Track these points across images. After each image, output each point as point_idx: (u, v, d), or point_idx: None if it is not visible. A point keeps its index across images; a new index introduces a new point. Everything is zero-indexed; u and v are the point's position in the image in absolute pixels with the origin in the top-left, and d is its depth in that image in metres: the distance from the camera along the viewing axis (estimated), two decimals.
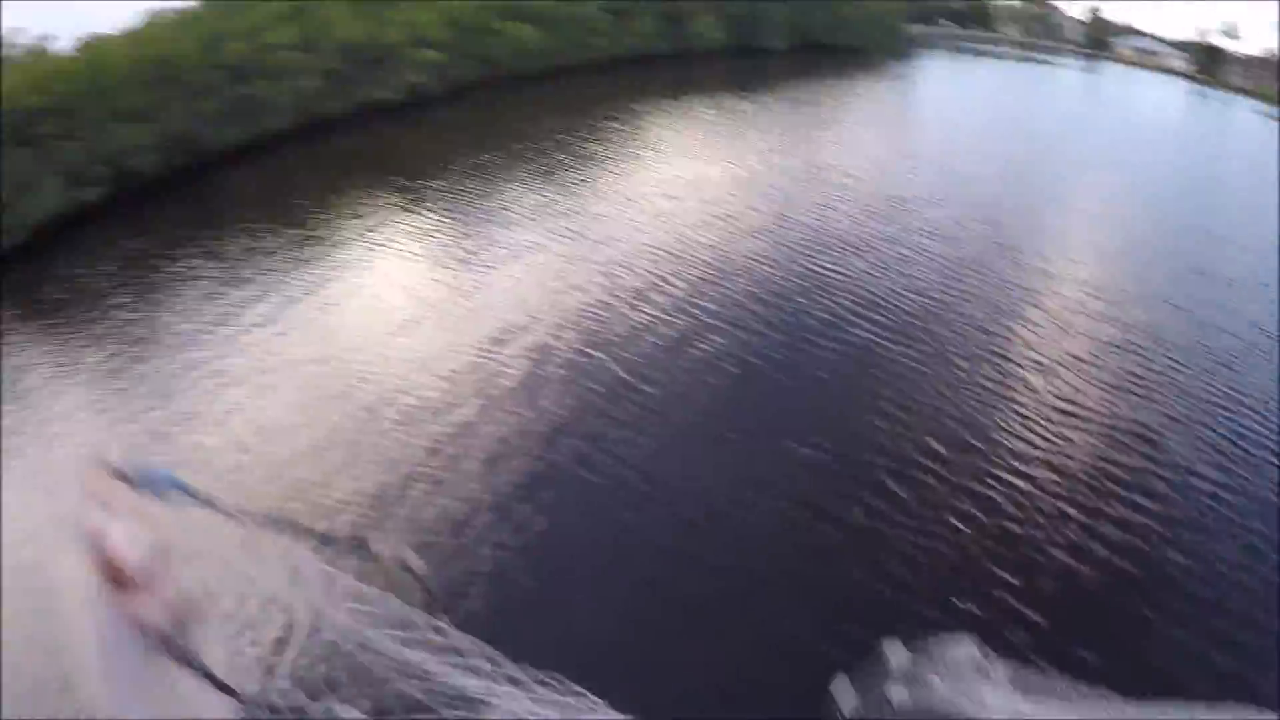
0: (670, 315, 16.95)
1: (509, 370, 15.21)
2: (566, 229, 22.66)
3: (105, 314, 21.71)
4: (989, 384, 14.54)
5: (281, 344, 17.98)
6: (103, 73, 36.68)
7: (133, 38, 39.42)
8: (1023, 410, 13.80)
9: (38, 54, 37.35)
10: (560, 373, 14.93)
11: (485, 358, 15.78)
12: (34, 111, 33.72)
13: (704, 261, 19.73)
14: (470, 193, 27.20)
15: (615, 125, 36.91)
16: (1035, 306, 18.10)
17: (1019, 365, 15.38)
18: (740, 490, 11.75)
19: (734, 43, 57.90)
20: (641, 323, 16.65)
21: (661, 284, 18.58)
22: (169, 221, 31.14)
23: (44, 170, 32.06)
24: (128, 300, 22.34)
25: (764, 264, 19.53)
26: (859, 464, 12.24)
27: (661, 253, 20.36)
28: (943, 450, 12.55)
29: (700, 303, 17.49)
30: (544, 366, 15.21)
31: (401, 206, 26.52)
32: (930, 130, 39.01)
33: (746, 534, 11.01)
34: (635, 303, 17.58)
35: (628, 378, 14.43)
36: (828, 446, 12.58)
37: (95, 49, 38.66)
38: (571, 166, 29.65)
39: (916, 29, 79.53)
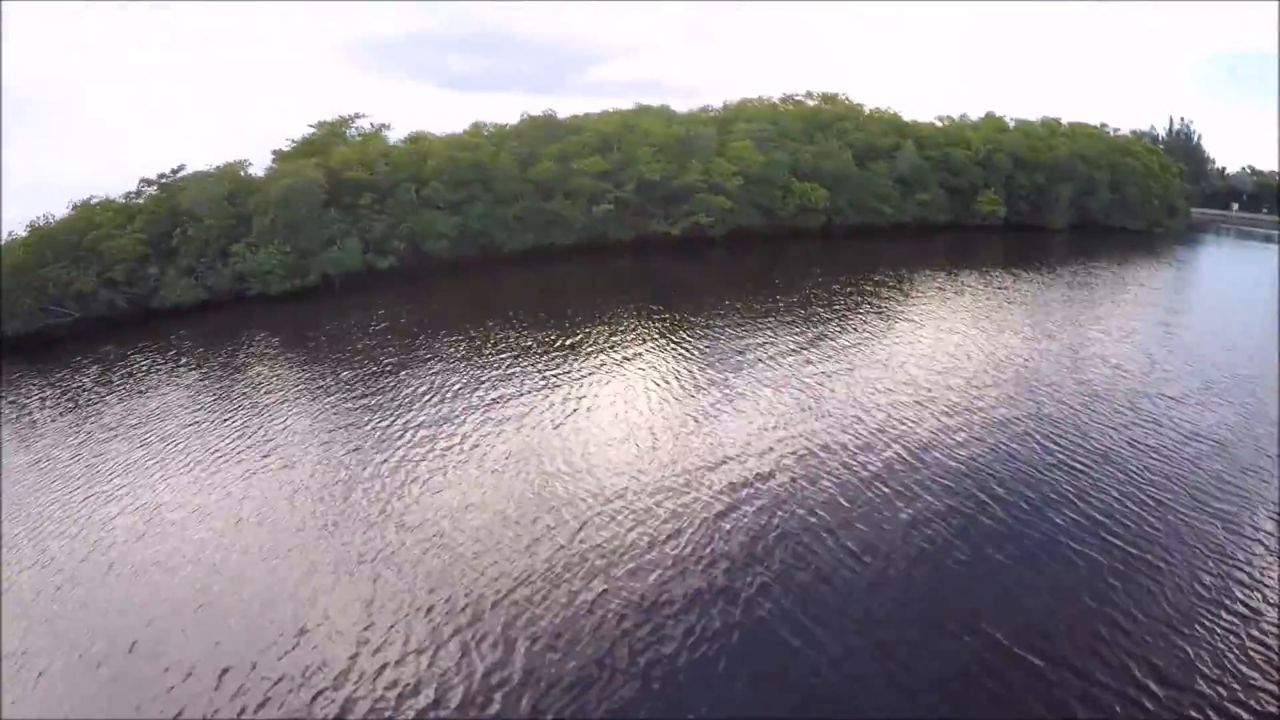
0: (886, 484, 17.27)
1: (708, 504, 16.51)
2: (809, 380, 23.91)
3: (357, 364, 26.30)
4: (1231, 631, 12.87)
5: (503, 428, 21.09)
6: (423, 165, 44.45)
7: (454, 141, 47.85)
8: (1266, 663, 12.19)
9: (370, 137, 46.19)
10: (758, 518, 15.91)
11: (689, 487, 17.28)
12: (356, 184, 41.60)
13: (936, 439, 19.71)
14: (726, 331, 29.60)
15: (883, 289, 38.15)
16: None
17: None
18: (895, 677, 11.52)
19: (1015, 218, 57.63)
20: (855, 484, 17.25)
21: (887, 449, 19.04)
22: (443, 302, 36.83)
23: (351, 234, 39.35)
24: (383, 358, 26.81)
25: (1001, 452, 19.00)
26: (1054, 687, 11.37)
27: (897, 421, 20.83)
28: (1159, 693, 11.31)
29: (924, 480, 17.50)
30: (742, 507, 16.32)
31: (656, 332, 29.45)
32: (1210, 322, 35.16)
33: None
34: (855, 464, 18.20)
35: (825, 536, 15.16)
36: (1021, 655, 11.95)
37: (421, 143, 47.06)
38: (831, 322, 31.27)
39: (1203, 213, 74.24)
